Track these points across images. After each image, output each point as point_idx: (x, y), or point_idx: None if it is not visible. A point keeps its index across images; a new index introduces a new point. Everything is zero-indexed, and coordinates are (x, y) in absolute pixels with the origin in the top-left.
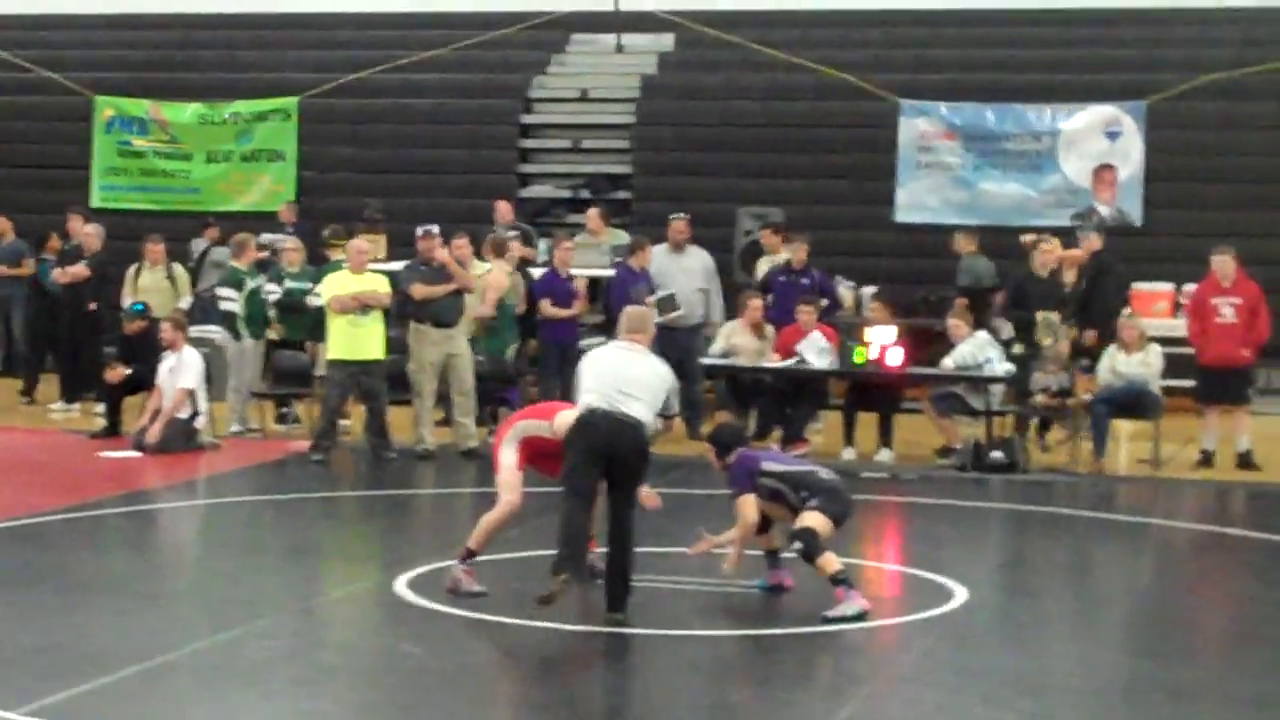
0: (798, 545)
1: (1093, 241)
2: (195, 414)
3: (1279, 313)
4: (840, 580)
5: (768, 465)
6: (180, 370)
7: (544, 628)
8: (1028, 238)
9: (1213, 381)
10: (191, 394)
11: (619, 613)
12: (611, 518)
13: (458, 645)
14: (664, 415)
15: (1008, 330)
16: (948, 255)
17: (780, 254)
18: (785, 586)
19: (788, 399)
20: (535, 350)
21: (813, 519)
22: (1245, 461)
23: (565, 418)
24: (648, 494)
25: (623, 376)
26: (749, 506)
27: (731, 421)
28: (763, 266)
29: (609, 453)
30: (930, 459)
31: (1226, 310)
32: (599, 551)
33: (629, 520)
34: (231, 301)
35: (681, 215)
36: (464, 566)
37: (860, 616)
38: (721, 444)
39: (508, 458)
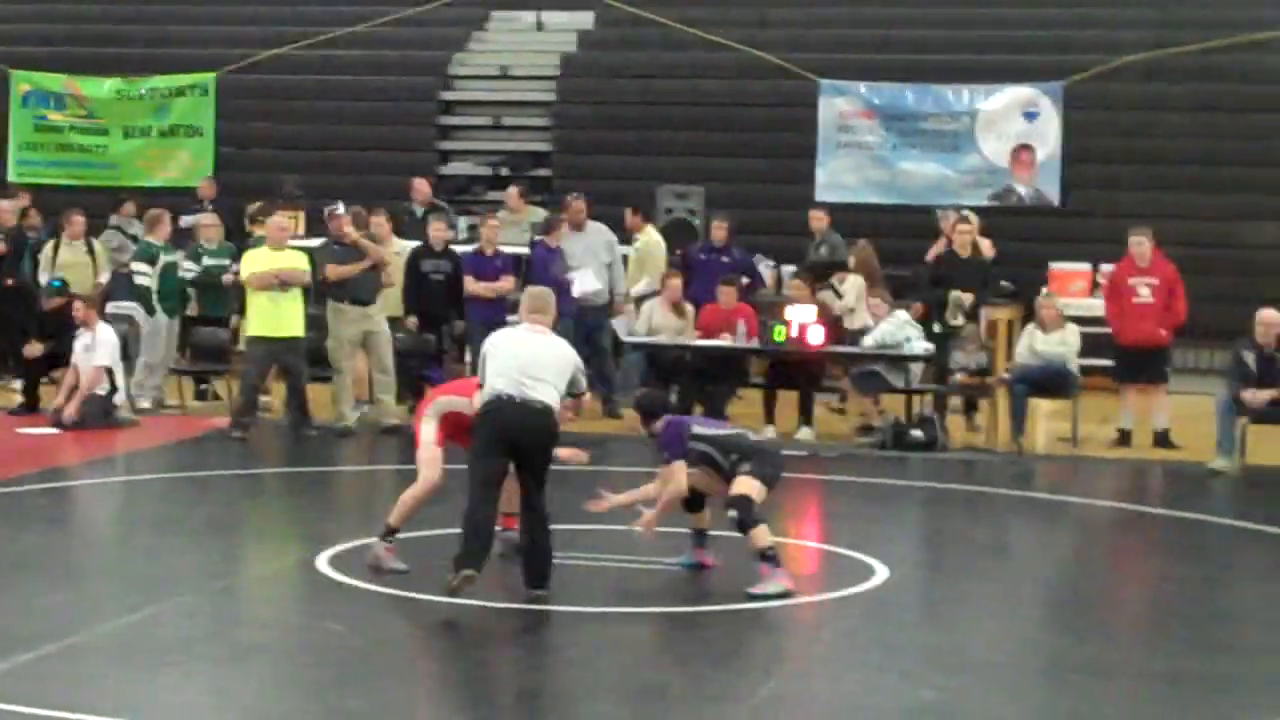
0: (733, 514)
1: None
2: (114, 390)
3: (1195, 294)
4: (768, 557)
5: (697, 429)
6: (95, 348)
7: (465, 605)
8: (949, 219)
9: (1130, 361)
10: (109, 371)
11: (541, 589)
12: (524, 502)
13: (379, 622)
14: (572, 394)
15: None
16: (864, 234)
17: (643, 234)
18: (706, 565)
19: (708, 377)
20: (462, 330)
21: (747, 485)
22: (1163, 440)
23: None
24: (571, 452)
25: (527, 360)
26: (680, 471)
27: (655, 389)
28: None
29: (516, 439)
30: (851, 437)
31: (1144, 290)
32: (516, 530)
33: (541, 502)
34: (145, 277)
35: (579, 195)
36: (385, 544)
37: (784, 594)
38: (648, 410)
39: (428, 434)
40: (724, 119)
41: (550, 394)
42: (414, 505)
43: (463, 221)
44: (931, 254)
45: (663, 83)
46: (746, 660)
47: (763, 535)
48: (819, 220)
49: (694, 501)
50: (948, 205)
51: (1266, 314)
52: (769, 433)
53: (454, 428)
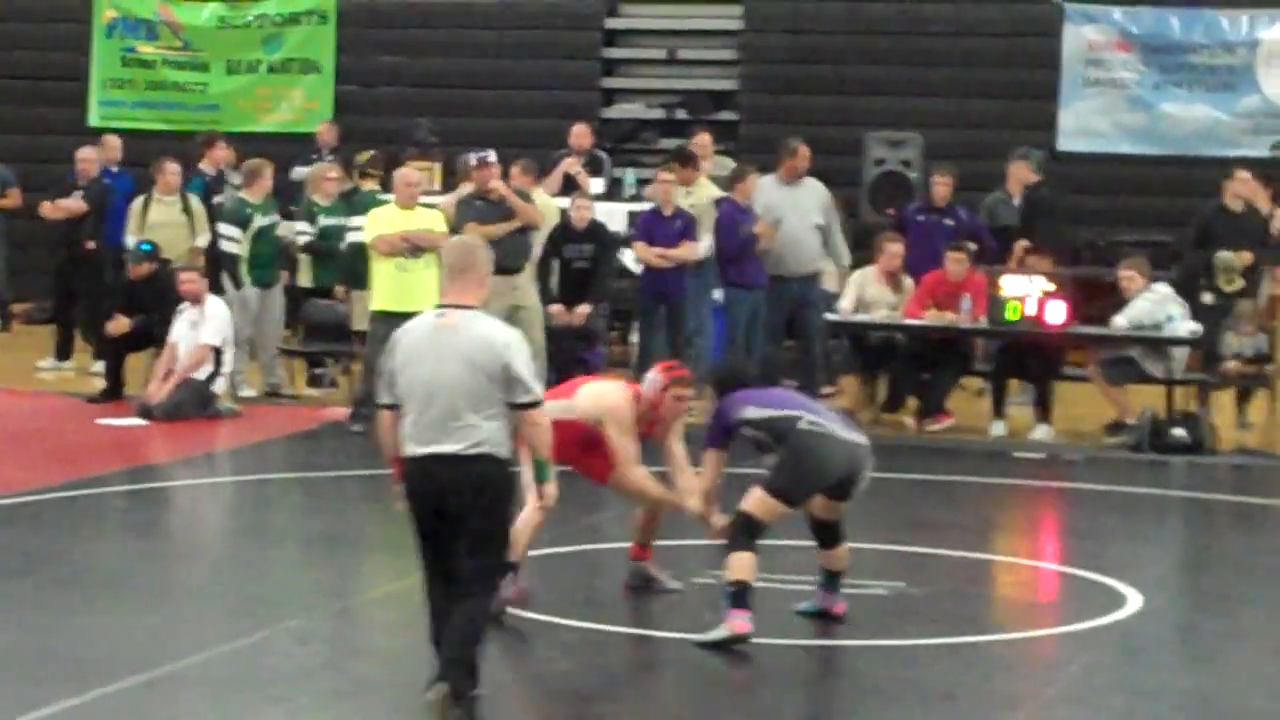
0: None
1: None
2: (214, 375)
3: None
4: (734, 594)
5: (750, 413)
6: (203, 324)
7: (631, 634)
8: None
9: None
10: (217, 352)
11: (449, 682)
12: (454, 570)
13: (521, 650)
14: (514, 404)
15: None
16: (1117, 190)
17: (691, 189)
18: (835, 613)
19: (926, 363)
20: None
21: (754, 503)
22: None
23: (591, 395)
24: (548, 491)
25: (434, 379)
26: (709, 464)
27: (734, 359)
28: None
29: (437, 505)
30: (1098, 436)
31: None
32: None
33: (478, 571)
34: (233, 243)
35: (797, 140)
36: (514, 585)
37: (735, 640)
38: (722, 383)
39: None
40: (947, 52)
41: (472, 429)
42: (527, 537)
43: (630, 175)
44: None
45: (872, 6)
46: (967, 704)
47: (739, 567)
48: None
49: (821, 530)
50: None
51: None
52: (998, 429)
53: (562, 442)
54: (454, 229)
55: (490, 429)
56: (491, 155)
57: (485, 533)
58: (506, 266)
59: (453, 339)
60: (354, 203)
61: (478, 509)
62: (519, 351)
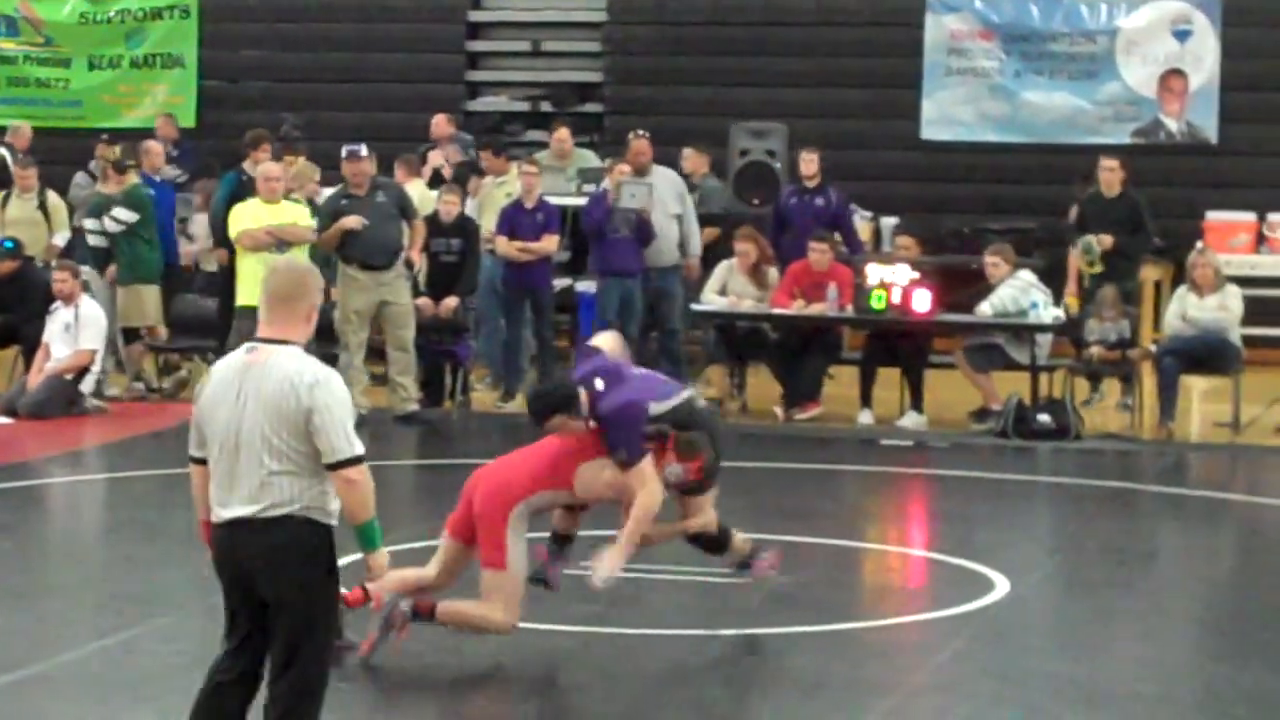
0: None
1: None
2: (84, 373)
3: None
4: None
5: (653, 409)
6: (80, 327)
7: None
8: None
9: None
10: (93, 355)
11: None
12: (273, 668)
13: (398, 644)
14: (328, 465)
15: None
16: (980, 179)
17: (503, 178)
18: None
19: (795, 352)
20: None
21: (707, 516)
22: None
23: (592, 474)
24: (376, 563)
25: (233, 427)
26: (650, 474)
27: (554, 381)
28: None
29: (243, 583)
30: (965, 423)
31: None
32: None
33: (301, 670)
34: (97, 236)
35: (642, 133)
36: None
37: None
38: (552, 407)
39: (515, 553)
40: (811, 42)
41: (270, 488)
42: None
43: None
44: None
45: None
46: (838, 690)
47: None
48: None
49: (709, 540)
50: (1078, 145)
51: None
52: (865, 418)
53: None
54: (322, 225)
55: (296, 487)
56: (363, 149)
57: (295, 626)
58: (375, 263)
59: (256, 380)
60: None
61: (282, 587)
62: (328, 396)
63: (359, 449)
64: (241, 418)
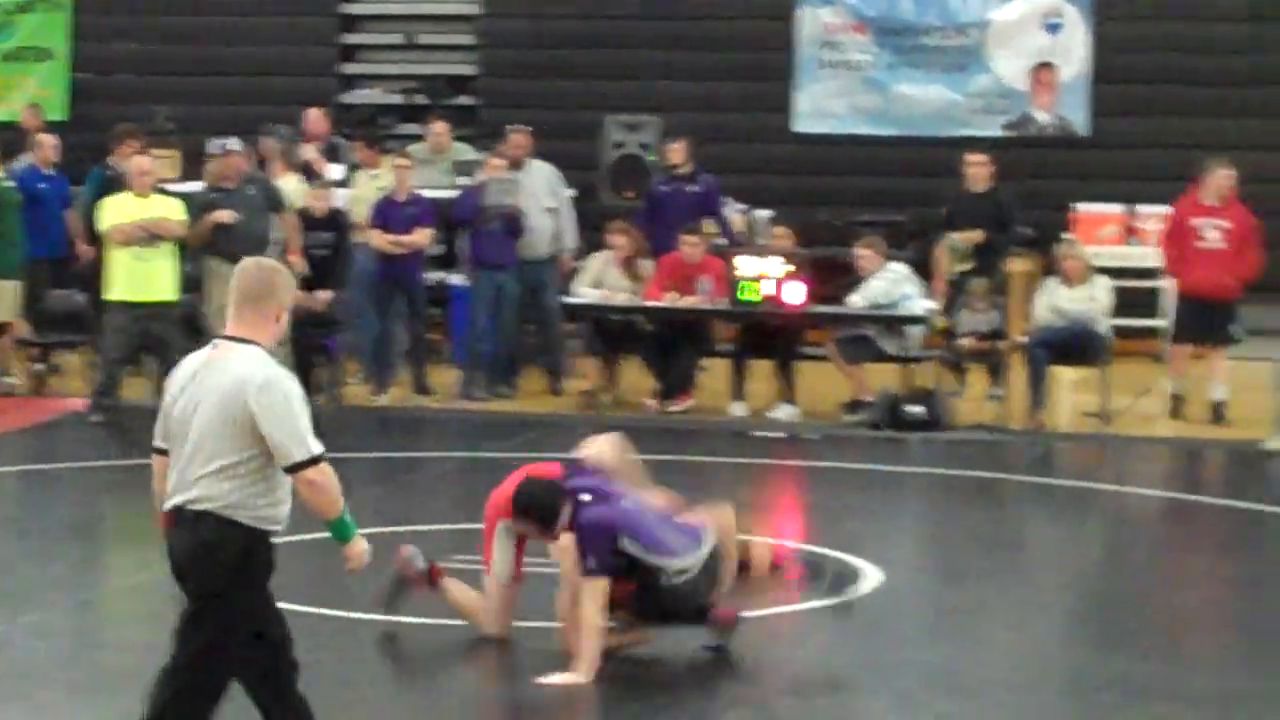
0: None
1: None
2: None
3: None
4: None
5: (626, 545)
6: None
7: (377, 620)
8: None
9: (1190, 318)
10: None
11: None
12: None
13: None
14: (287, 468)
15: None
16: (853, 171)
17: (377, 171)
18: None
19: (668, 345)
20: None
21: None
22: (1218, 414)
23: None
24: (352, 553)
25: (185, 420)
26: (601, 595)
27: (538, 483)
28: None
29: (182, 582)
30: (837, 415)
31: (1211, 233)
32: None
33: (165, 697)
34: None
35: (520, 126)
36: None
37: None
38: (541, 516)
39: (498, 560)
40: (685, 35)
41: (203, 483)
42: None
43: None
44: None
45: None
46: (709, 680)
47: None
48: None
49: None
50: (950, 138)
51: None
52: (738, 409)
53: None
54: (193, 219)
55: (228, 485)
56: (235, 143)
57: (202, 624)
58: (242, 256)
59: (214, 378)
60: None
61: (193, 583)
62: (276, 398)
63: (315, 449)
64: (195, 413)
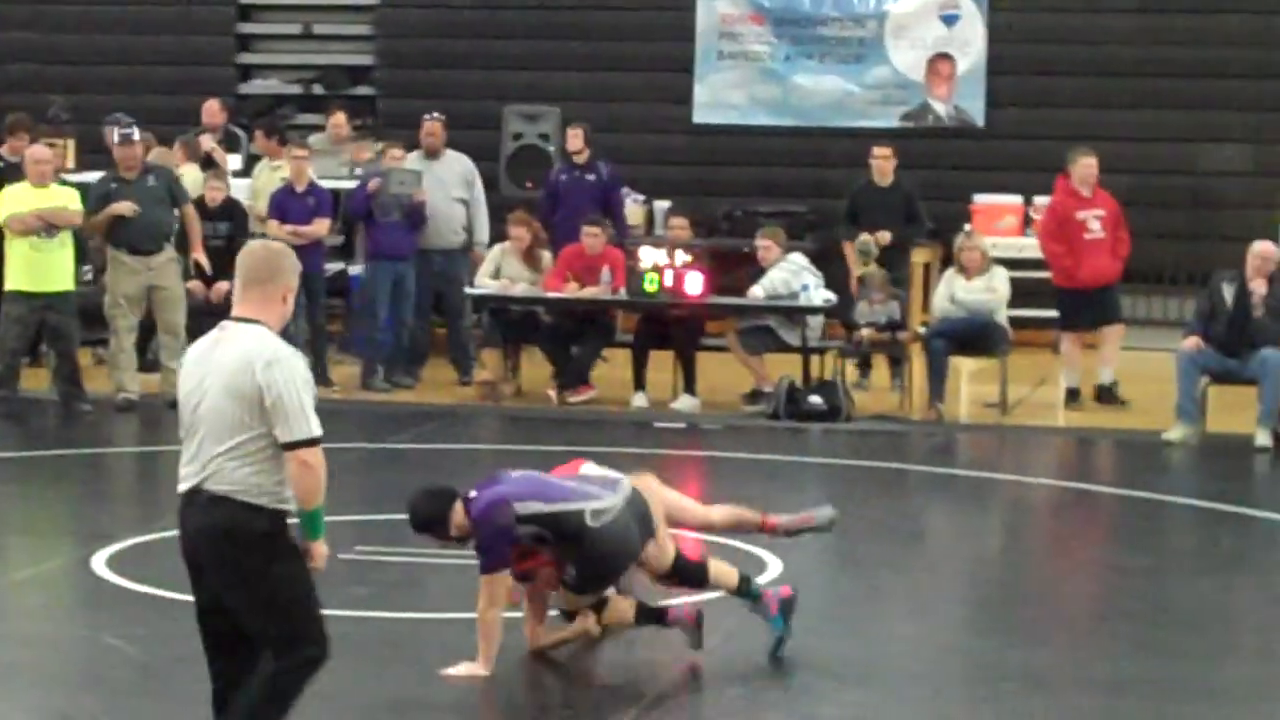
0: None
1: None
2: None
3: (1144, 230)
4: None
5: (523, 507)
6: None
7: None
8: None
9: (1078, 306)
10: None
11: None
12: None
13: (171, 634)
14: (286, 444)
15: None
16: (752, 162)
17: (278, 162)
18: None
19: (568, 336)
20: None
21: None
22: (1108, 395)
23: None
24: (317, 551)
25: (195, 402)
26: (500, 591)
27: (429, 491)
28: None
29: (190, 557)
30: (737, 405)
31: (1094, 224)
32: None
33: (270, 664)
34: None
35: (435, 115)
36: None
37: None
38: (429, 524)
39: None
40: (582, 25)
41: (221, 465)
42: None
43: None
44: None
45: None
46: (610, 674)
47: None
48: None
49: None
50: (848, 128)
51: (1264, 246)
52: (639, 400)
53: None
54: (92, 209)
55: (246, 468)
56: (136, 132)
57: (246, 599)
58: (144, 248)
59: (220, 357)
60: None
61: (225, 567)
62: (283, 374)
63: (317, 430)
64: (203, 394)
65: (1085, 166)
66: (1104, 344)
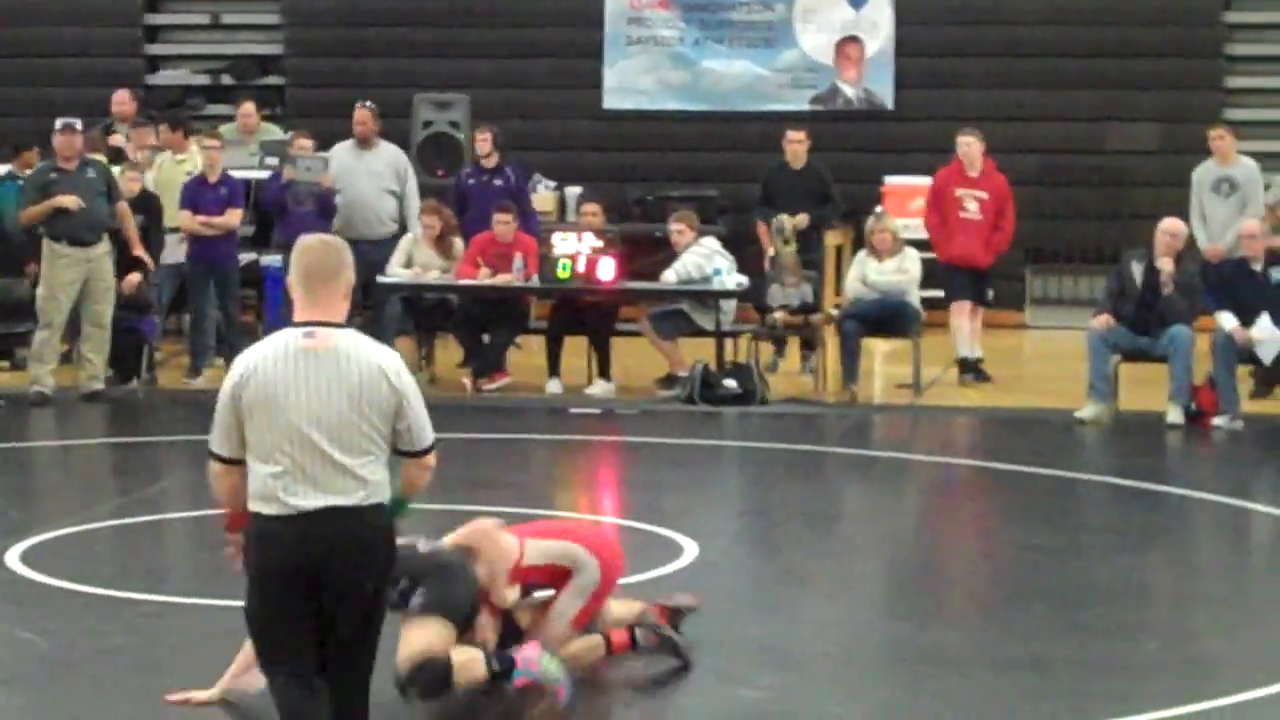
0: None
1: None
2: None
3: (1052, 210)
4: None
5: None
6: None
7: (190, 604)
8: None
9: (956, 280)
10: None
11: None
12: (333, 696)
13: (86, 629)
14: (408, 452)
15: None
16: (663, 147)
17: (184, 155)
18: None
19: (482, 323)
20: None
21: (420, 637)
22: (976, 372)
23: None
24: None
25: (307, 417)
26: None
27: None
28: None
29: (310, 575)
30: (651, 390)
31: (971, 205)
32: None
33: (358, 701)
34: None
35: (368, 104)
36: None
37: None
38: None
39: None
40: (491, 11)
41: (358, 479)
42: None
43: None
44: None
45: None
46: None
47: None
48: None
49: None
50: (758, 112)
51: (1172, 223)
52: (554, 387)
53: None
54: (30, 199)
55: (381, 474)
56: (78, 123)
57: (359, 622)
58: (84, 240)
59: (331, 366)
60: None
61: (361, 575)
62: (410, 379)
63: (430, 441)
64: (322, 405)
65: (964, 145)
66: (973, 321)
